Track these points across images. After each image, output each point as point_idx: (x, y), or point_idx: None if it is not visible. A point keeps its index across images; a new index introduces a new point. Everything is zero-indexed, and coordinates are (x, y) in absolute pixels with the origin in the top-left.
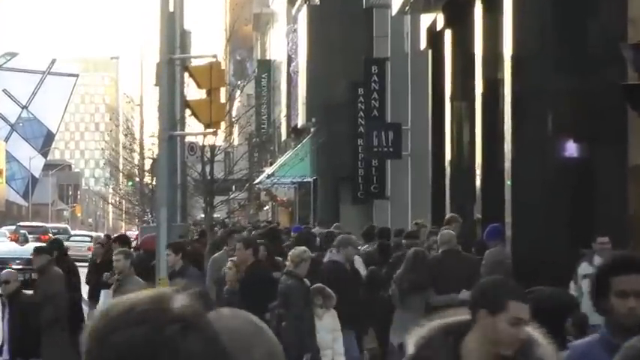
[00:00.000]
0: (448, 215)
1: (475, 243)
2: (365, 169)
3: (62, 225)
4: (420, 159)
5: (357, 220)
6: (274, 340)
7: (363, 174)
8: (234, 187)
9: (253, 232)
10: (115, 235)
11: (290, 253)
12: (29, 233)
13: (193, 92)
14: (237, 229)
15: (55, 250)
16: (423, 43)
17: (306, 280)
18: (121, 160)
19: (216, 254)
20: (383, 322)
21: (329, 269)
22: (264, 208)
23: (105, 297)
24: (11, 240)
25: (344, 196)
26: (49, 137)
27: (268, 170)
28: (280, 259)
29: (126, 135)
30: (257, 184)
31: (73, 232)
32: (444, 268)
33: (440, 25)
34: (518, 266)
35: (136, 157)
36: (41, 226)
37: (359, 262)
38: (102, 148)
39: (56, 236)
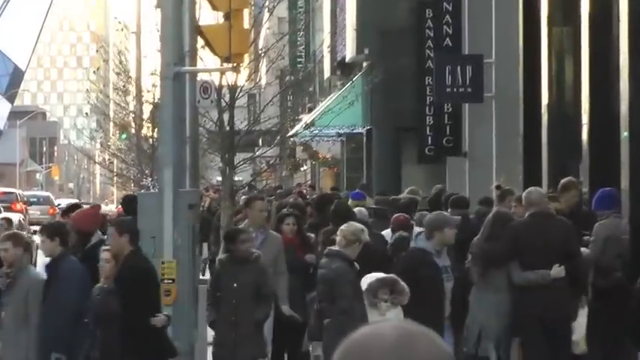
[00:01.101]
0: (565, 180)
1: (580, 213)
2: (435, 117)
3: (42, 192)
4: (508, 102)
5: (425, 184)
6: None
7: (432, 123)
8: (260, 140)
9: (291, 200)
10: (68, 205)
11: (343, 229)
12: None
13: (207, 15)
14: (256, 196)
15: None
16: None
17: (356, 263)
18: (111, 106)
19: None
20: (457, 306)
21: (411, 260)
22: (302, 169)
23: None
24: None
25: (407, 153)
26: (17, 76)
27: (306, 118)
28: (312, 235)
29: (118, 73)
30: (291, 136)
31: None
32: (532, 236)
33: None
34: (638, 243)
35: (132, 101)
36: (11, 193)
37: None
38: (86, 91)
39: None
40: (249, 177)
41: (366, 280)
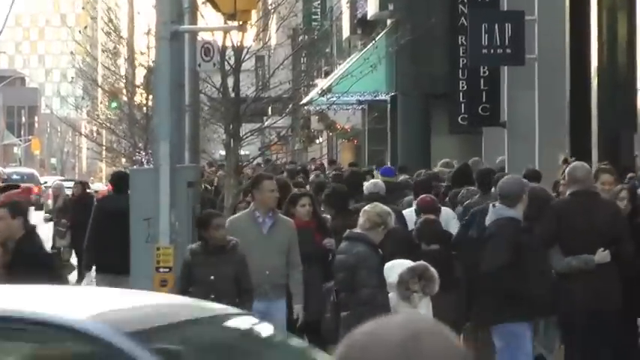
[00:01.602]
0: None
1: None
2: (470, 82)
3: (25, 169)
4: (553, 65)
5: (457, 158)
6: None
7: (465, 89)
8: (270, 109)
9: (313, 177)
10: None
11: (367, 209)
12: None
13: None
14: (264, 175)
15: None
16: None
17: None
18: (99, 71)
19: (234, 216)
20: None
21: (513, 232)
22: (317, 142)
23: None
24: None
25: (437, 123)
26: None
27: (322, 84)
28: (328, 216)
29: (107, 33)
30: (305, 104)
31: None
32: (574, 217)
33: None
34: None
35: (123, 65)
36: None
37: (453, 224)
38: (71, 53)
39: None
40: (256, 150)
41: (393, 270)
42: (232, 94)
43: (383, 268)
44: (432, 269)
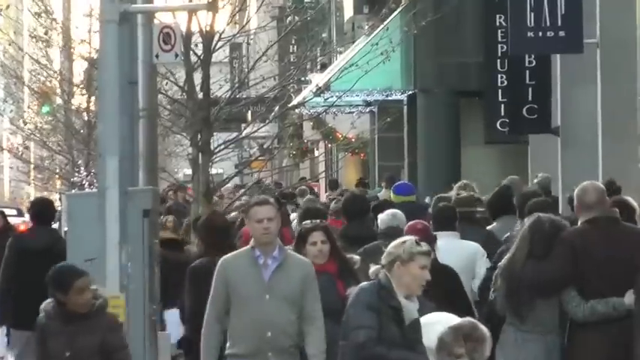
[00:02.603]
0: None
1: None
2: (511, 76)
3: None
4: (620, 52)
5: (497, 173)
6: None
7: (506, 84)
8: (250, 114)
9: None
10: None
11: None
12: None
13: None
14: (256, 199)
15: None
16: None
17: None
18: (26, 65)
19: (227, 256)
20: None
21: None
22: (312, 156)
23: None
24: None
25: (470, 130)
26: None
27: (318, 80)
28: (355, 257)
29: (37, 15)
30: (296, 107)
31: None
32: (593, 250)
33: None
34: None
35: (57, 57)
36: None
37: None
38: None
39: None
40: (232, 168)
41: (431, 328)
42: (200, 95)
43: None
44: (482, 328)
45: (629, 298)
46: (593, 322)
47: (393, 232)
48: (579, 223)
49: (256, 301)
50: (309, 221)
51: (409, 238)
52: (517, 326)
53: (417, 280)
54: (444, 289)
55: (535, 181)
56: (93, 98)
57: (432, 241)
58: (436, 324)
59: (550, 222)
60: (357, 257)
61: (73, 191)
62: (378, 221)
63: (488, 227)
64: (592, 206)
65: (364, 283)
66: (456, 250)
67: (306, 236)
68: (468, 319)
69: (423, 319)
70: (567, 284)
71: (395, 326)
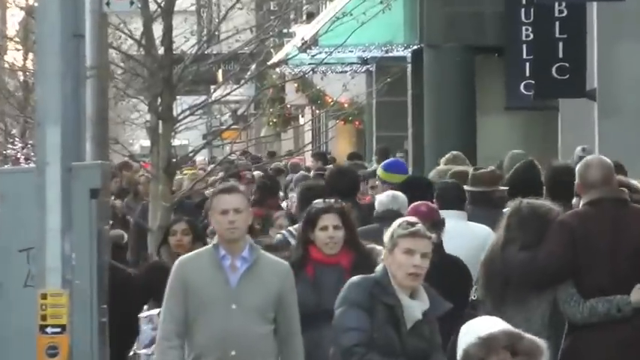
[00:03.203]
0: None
1: None
2: (538, 28)
3: None
4: None
5: (520, 146)
6: None
7: (532, 38)
8: (220, 73)
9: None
10: None
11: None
12: None
13: None
14: (221, 187)
15: None
16: None
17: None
18: None
19: (185, 257)
20: None
21: None
22: (296, 124)
23: None
24: None
25: (488, 93)
26: None
27: (304, 33)
28: (376, 246)
29: None
30: (277, 65)
31: None
32: (594, 238)
33: None
34: None
35: None
36: None
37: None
38: None
39: None
40: (200, 139)
41: (461, 338)
42: (161, 50)
43: None
44: (530, 338)
45: (636, 295)
46: (594, 323)
47: (393, 217)
48: (580, 205)
49: (220, 312)
50: (321, 200)
51: (400, 220)
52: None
53: (401, 268)
54: (447, 287)
55: (579, 154)
56: (30, 55)
57: (439, 226)
58: (465, 334)
59: (529, 206)
60: (380, 248)
61: (6, 167)
62: (376, 202)
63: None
64: (596, 185)
65: (355, 277)
66: (464, 235)
67: (316, 219)
68: (508, 327)
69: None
70: (564, 275)
71: (392, 329)
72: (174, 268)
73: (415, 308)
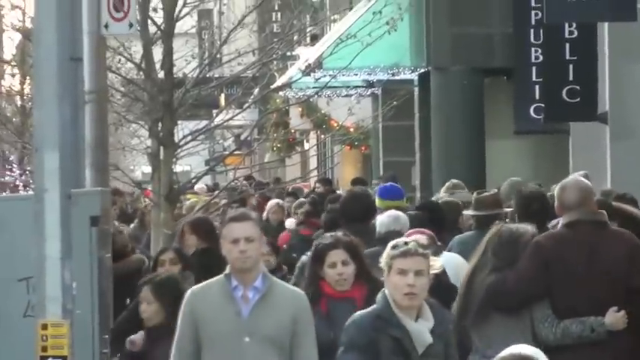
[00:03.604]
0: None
1: None
2: (548, 50)
3: None
4: None
5: (530, 171)
6: None
7: (542, 60)
8: (223, 97)
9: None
10: None
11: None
12: None
13: None
14: (232, 214)
15: None
16: None
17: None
18: None
19: (196, 288)
20: None
21: None
22: (300, 149)
23: None
24: None
25: (496, 117)
26: None
27: (308, 55)
28: None
29: None
30: (281, 88)
31: None
32: (570, 260)
33: None
34: None
35: None
36: None
37: None
38: None
39: None
40: (202, 165)
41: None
42: (161, 74)
43: None
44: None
45: (610, 318)
46: (568, 346)
47: (395, 237)
48: (559, 227)
49: (233, 345)
50: (328, 235)
51: (394, 241)
52: (482, 352)
53: (397, 289)
54: None
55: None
56: (28, 79)
57: (437, 254)
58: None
59: (508, 230)
60: None
61: (4, 194)
62: (377, 223)
63: None
64: (572, 207)
65: (356, 314)
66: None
67: (323, 255)
68: (521, 351)
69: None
70: (533, 299)
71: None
72: (184, 301)
73: (423, 332)
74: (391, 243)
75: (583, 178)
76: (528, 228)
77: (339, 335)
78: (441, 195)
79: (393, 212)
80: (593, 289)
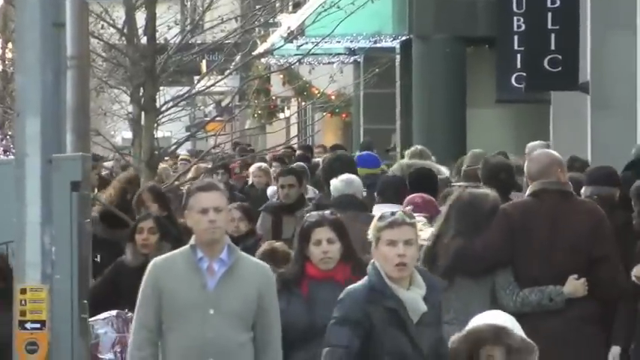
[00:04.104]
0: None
1: None
2: (530, 18)
3: None
4: None
5: (511, 140)
6: None
7: (524, 29)
8: (204, 64)
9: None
10: None
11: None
12: None
13: None
14: (199, 184)
15: None
16: None
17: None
18: None
19: (159, 259)
20: None
21: None
22: (281, 116)
23: None
24: None
25: (478, 85)
26: None
27: (289, 22)
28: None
29: None
30: (262, 55)
31: None
32: (532, 228)
33: None
34: None
35: None
36: None
37: None
38: None
39: None
40: (183, 130)
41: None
42: (144, 40)
43: None
44: (517, 334)
45: (569, 286)
46: (527, 314)
47: (349, 202)
48: (526, 196)
49: (197, 318)
50: (315, 213)
51: (381, 212)
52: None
53: (388, 261)
54: None
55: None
56: (10, 44)
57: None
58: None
59: (470, 195)
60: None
61: None
62: (331, 188)
63: None
64: (536, 177)
65: (349, 287)
66: None
67: (309, 233)
68: (498, 321)
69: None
70: (499, 266)
71: (397, 330)
72: (147, 272)
73: (417, 300)
74: (379, 214)
75: (547, 149)
76: (489, 192)
77: (318, 319)
78: (404, 161)
79: (346, 176)
80: (556, 260)
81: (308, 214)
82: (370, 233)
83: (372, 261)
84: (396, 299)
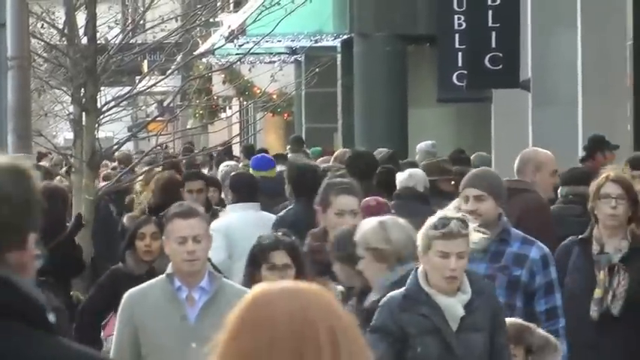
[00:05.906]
0: None
1: None
2: (470, 16)
3: None
4: None
5: (452, 138)
6: None
7: (465, 27)
8: (146, 63)
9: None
10: None
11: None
12: None
13: None
14: (175, 211)
15: None
16: None
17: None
18: None
19: (134, 291)
20: None
21: None
22: (223, 116)
23: None
24: None
25: (419, 84)
26: None
27: (230, 21)
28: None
29: None
30: (203, 55)
31: None
32: None
33: None
34: None
35: None
36: None
37: None
38: None
39: None
40: (125, 131)
41: None
42: (84, 40)
43: None
44: (540, 332)
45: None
46: None
47: (409, 194)
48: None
49: (178, 353)
50: (269, 234)
51: (433, 217)
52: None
53: (438, 272)
54: None
55: (427, 150)
56: None
57: None
58: None
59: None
60: (335, 286)
61: None
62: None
63: None
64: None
65: (392, 293)
66: (257, 224)
67: (263, 257)
68: (516, 320)
69: None
70: None
71: (431, 338)
72: (120, 307)
73: (454, 306)
74: (431, 219)
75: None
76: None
77: None
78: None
79: (410, 169)
80: None
81: (260, 237)
82: (419, 240)
83: (413, 267)
84: (432, 305)
